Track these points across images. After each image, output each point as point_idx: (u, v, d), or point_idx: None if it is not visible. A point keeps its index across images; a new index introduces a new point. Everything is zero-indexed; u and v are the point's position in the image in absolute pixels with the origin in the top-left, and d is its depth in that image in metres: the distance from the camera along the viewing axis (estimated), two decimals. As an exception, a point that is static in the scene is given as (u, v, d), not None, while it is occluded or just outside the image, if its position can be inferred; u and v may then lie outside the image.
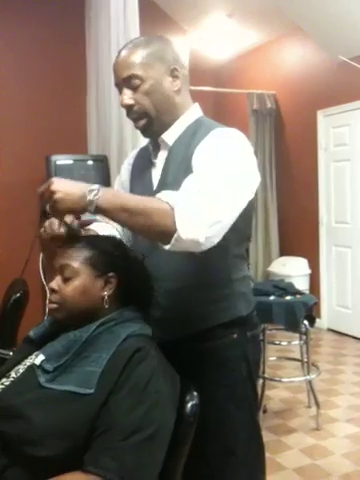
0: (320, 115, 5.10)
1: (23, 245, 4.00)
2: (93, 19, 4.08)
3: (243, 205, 1.28)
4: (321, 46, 4.82)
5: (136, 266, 1.35)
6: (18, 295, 2.50)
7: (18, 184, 4.23)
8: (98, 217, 1.49)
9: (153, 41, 1.43)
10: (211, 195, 1.19)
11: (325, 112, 5.04)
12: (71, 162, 3.94)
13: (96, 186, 1.17)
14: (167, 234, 1.16)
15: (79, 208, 1.17)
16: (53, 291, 1.28)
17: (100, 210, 1.16)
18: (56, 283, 1.28)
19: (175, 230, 1.15)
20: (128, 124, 3.77)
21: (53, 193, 1.15)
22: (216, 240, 1.19)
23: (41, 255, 4.10)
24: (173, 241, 1.16)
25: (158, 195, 1.22)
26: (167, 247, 1.18)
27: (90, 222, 1.56)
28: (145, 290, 1.36)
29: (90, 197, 1.14)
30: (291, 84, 5.45)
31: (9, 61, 4.31)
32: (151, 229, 1.19)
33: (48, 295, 3.94)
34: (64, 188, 1.16)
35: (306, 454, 2.74)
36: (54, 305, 1.28)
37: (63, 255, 1.30)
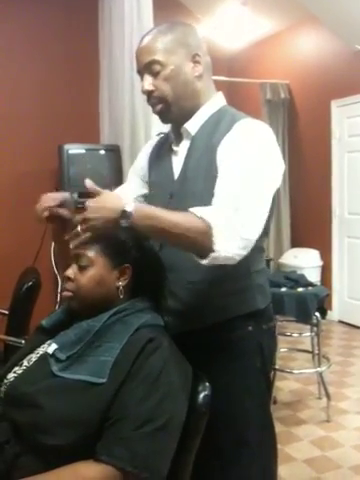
0: (334, 105, 5.04)
1: (35, 234, 4.05)
2: (107, 7, 4.06)
3: (270, 203, 1.31)
4: (336, 35, 4.75)
5: (151, 257, 1.35)
6: (30, 284, 2.50)
7: (31, 173, 4.24)
8: None
9: (176, 27, 1.43)
10: (245, 216, 1.22)
11: (339, 102, 4.98)
12: (83, 151, 3.93)
13: (129, 207, 1.16)
14: (204, 252, 1.21)
15: (111, 230, 1.22)
16: (68, 279, 1.29)
17: (134, 230, 1.19)
18: (72, 271, 1.29)
19: (212, 250, 1.19)
20: (141, 114, 3.76)
21: (87, 220, 1.17)
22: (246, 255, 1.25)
23: (53, 244, 4.11)
24: (210, 258, 1.20)
25: (191, 210, 1.21)
26: (203, 262, 1.22)
27: None
28: (159, 281, 1.36)
29: (123, 221, 1.16)
30: (305, 74, 5.39)
31: (21, 50, 4.30)
32: (188, 247, 1.24)
33: (60, 284, 3.95)
34: (97, 216, 1.16)
35: (316, 445, 2.74)
36: (69, 293, 1.28)
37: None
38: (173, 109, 1.42)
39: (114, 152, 3.91)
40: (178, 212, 1.22)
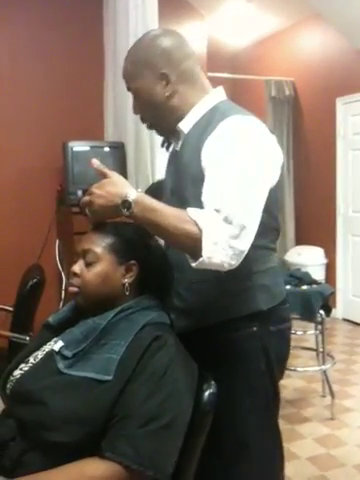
0: (339, 103, 5.03)
1: (39, 231, 4.06)
2: (111, 4, 4.04)
3: (262, 208, 1.28)
4: (341, 33, 4.73)
5: (158, 255, 1.35)
6: (34, 281, 2.50)
7: (35, 170, 4.24)
8: None
9: (140, 45, 1.44)
10: (237, 225, 1.20)
11: (344, 100, 4.97)
12: (88, 149, 3.92)
13: (131, 196, 1.19)
14: (193, 255, 1.21)
15: (112, 216, 1.26)
16: (75, 275, 1.29)
17: (132, 219, 1.23)
18: (78, 267, 1.28)
19: (201, 255, 1.19)
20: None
21: (91, 203, 1.24)
22: (237, 264, 1.23)
23: (57, 241, 4.12)
24: (198, 263, 1.20)
25: (188, 211, 1.21)
26: (193, 265, 1.22)
27: None
28: (165, 279, 1.37)
29: (124, 210, 1.19)
30: (310, 71, 5.38)
31: (25, 47, 4.30)
32: (179, 247, 1.27)
33: (64, 281, 3.95)
34: (100, 201, 1.23)
35: (320, 443, 2.75)
36: (75, 289, 1.28)
37: (87, 240, 1.30)
38: (157, 128, 1.49)
39: (118, 149, 3.91)
40: (177, 210, 1.23)
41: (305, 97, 5.51)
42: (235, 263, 1.22)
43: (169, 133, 1.49)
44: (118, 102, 3.99)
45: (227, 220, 1.20)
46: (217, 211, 1.20)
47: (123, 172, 3.88)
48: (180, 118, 1.42)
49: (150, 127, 1.51)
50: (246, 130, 1.30)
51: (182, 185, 1.40)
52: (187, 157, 1.40)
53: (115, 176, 1.26)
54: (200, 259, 1.19)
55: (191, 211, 1.21)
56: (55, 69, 4.33)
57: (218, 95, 1.46)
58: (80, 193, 3.67)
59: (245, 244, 1.22)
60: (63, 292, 3.97)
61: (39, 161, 4.21)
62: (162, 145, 1.59)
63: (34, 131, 4.25)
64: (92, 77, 4.30)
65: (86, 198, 1.26)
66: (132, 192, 1.20)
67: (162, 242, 1.43)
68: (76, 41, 4.38)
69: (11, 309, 2.67)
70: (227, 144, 1.27)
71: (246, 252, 1.23)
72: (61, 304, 3.82)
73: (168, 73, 1.39)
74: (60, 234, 4.14)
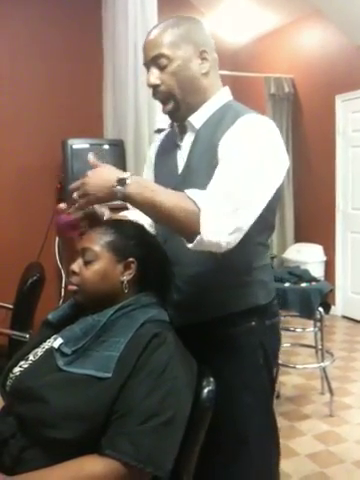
0: (338, 100, 5.03)
1: (39, 229, 4.06)
2: (110, 1, 4.04)
3: (267, 201, 1.28)
4: (341, 30, 4.73)
5: (157, 252, 1.35)
6: (34, 278, 2.51)
7: (34, 168, 4.24)
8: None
9: (183, 22, 1.41)
10: (237, 202, 1.20)
11: (343, 97, 4.97)
12: (87, 146, 3.93)
13: (127, 175, 1.20)
14: (191, 234, 1.19)
15: (107, 197, 1.21)
16: (74, 273, 1.29)
17: (128, 200, 1.20)
18: (77, 265, 1.29)
19: (199, 232, 1.17)
20: (144, 108, 3.75)
21: (84, 185, 1.21)
22: (234, 244, 1.22)
23: (57, 239, 4.12)
24: (195, 242, 1.19)
25: (186, 192, 1.21)
26: (190, 246, 1.21)
27: (120, 207, 1.56)
28: (164, 276, 1.37)
29: (119, 187, 1.18)
30: (309, 68, 5.37)
31: (25, 45, 4.30)
32: (176, 227, 1.23)
33: (64, 278, 3.95)
34: (94, 181, 1.21)
35: (319, 440, 2.75)
36: (74, 287, 1.29)
37: (86, 238, 1.31)
38: (182, 106, 1.42)
39: (118, 147, 3.92)
40: (173, 191, 1.23)
41: (305, 94, 5.51)
42: (233, 242, 1.21)
43: (181, 115, 1.44)
44: (117, 99, 3.99)
45: (229, 196, 1.20)
46: (221, 189, 1.20)
47: (122, 169, 3.86)
48: (201, 103, 1.42)
49: (171, 109, 1.43)
50: (265, 128, 1.33)
51: (192, 179, 1.38)
52: (199, 153, 1.40)
53: (108, 166, 1.27)
54: (197, 238, 1.18)
55: (189, 191, 1.21)
56: (54, 67, 4.33)
57: (227, 94, 1.48)
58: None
59: (243, 221, 1.21)
60: (63, 290, 3.98)
61: (38, 159, 4.22)
62: (156, 131, 1.59)
63: (34, 129, 4.26)
64: (91, 75, 4.30)
65: (78, 182, 1.24)
66: (128, 173, 1.21)
67: (160, 238, 1.43)
68: (76, 39, 4.38)
69: (11, 307, 2.68)
70: (244, 137, 1.29)
71: (244, 232, 1.22)
72: (61, 302, 3.83)
73: (208, 52, 1.41)
74: (60, 232, 4.13)
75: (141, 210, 1.24)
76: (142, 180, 1.25)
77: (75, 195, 1.24)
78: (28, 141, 4.24)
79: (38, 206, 4.16)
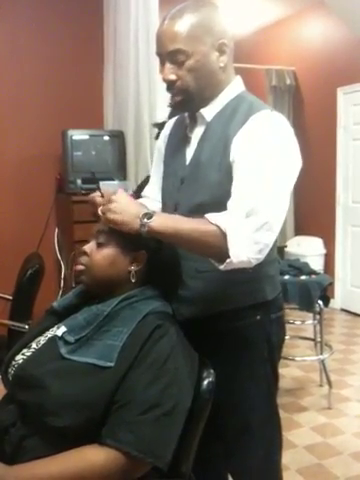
0: (340, 92, 5.01)
1: (38, 220, 4.06)
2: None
3: (286, 208, 1.31)
4: (343, 22, 4.70)
5: (168, 250, 1.34)
6: (34, 269, 2.50)
7: (34, 158, 4.22)
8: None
9: (201, 8, 1.32)
10: (260, 219, 1.21)
11: (345, 90, 4.95)
12: (87, 137, 3.91)
13: (151, 212, 1.21)
14: (220, 258, 1.22)
15: (129, 226, 1.22)
16: (84, 253, 1.30)
17: (153, 232, 1.21)
18: (89, 247, 1.31)
19: (228, 256, 1.20)
20: (145, 100, 3.73)
21: (111, 201, 1.22)
22: (263, 258, 1.25)
23: (56, 230, 4.12)
24: (226, 264, 1.21)
25: (207, 216, 1.22)
26: (220, 267, 1.23)
27: (136, 197, 1.55)
28: (172, 275, 1.37)
29: (145, 220, 1.20)
30: (311, 60, 5.35)
31: (25, 35, 4.26)
32: (204, 252, 1.27)
33: (63, 269, 3.93)
34: (122, 205, 1.22)
35: (317, 432, 2.77)
36: (81, 266, 1.30)
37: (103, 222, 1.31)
38: (195, 99, 1.36)
39: (118, 138, 3.90)
40: (193, 219, 1.24)
41: (306, 86, 5.48)
42: (261, 257, 1.23)
43: (193, 106, 1.39)
44: (118, 90, 3.97)
45: (249, 215, 1.20)
46: (242, 207, 1.21)
47: (122, 160, 3.87)
48: (217, 94, 1.38)
49: (181, 101, 1.37)
50: (280, 128, 1.31)
51: (200, 172, 1.37)
52: (209, 146, 1.37)
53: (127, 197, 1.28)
54: (227, 261, 1.20)
55: (209, 216, 1.22)
56: (54, 57, 4.30)
57: (240, 85, 1.44)
58: (79, 182, 3.67)
59: (269, 237, 1.23)
60: (62, 281, 3.98)
61: (38, 149, 4.20)
62: (154, 125, 1.57)
63: (33, 119, 4.24)
64: (92, 66, 4.27)
65: (106, 196, 1.25)
66: (150, 210, 1.23)
67: None
68: (76, 30, 4.35)
69: (10, 297, 2.67)
70: (259, 141, 1.27)
71: (271, 245, 1.24)
72: (60, 292, 3.83)
73: (227, 44, 1.35)
74: (59, 222, 4.13)
75: (166, 240, 1.26)
76: (163, 214, 1.28)
77: (100, 210, 1.25)
78: (28, 132, 4.22)
79: (38, 197, 4.15)
